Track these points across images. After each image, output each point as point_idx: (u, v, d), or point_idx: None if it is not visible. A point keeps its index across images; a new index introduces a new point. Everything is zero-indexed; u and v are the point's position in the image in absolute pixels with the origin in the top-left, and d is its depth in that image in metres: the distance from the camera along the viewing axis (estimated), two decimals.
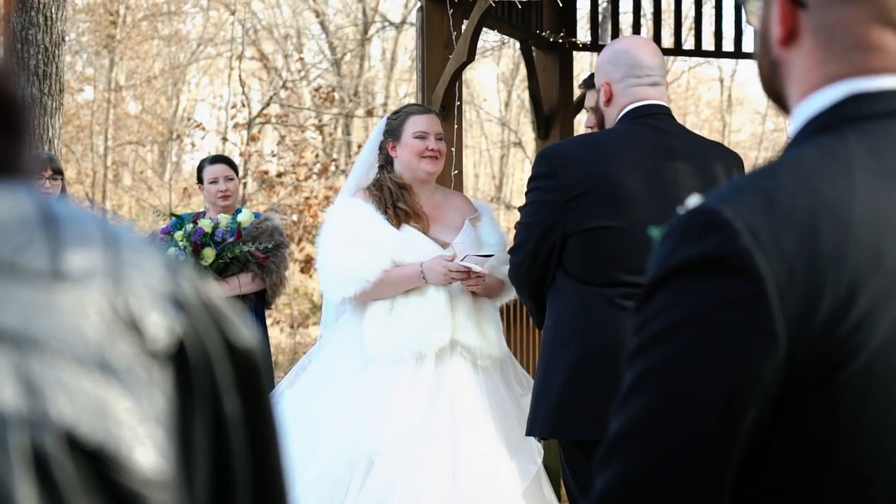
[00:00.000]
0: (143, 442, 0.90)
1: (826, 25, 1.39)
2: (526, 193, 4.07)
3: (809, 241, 1.25)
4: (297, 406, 4.69)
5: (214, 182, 6.34)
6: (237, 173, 6.53)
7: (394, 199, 4.76)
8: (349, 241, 4.68)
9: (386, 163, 4.88)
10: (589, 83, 5.01)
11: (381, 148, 4.92)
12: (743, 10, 8.27)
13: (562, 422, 3.91)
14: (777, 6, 1.42)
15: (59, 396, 0.87)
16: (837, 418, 1.26)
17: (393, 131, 4.85)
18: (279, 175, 16.07)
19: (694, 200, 1.34)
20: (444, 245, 4.79)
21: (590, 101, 4.94)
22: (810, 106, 1.40)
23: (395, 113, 4.97)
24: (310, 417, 4.63)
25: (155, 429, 0.91)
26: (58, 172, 6.57)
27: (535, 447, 4.70)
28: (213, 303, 1.01)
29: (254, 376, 1.03)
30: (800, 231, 1.25)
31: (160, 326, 0.95)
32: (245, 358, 1.02)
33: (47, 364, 0.87)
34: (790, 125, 1.45)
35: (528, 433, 4.15)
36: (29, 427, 0.85)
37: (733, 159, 4.09)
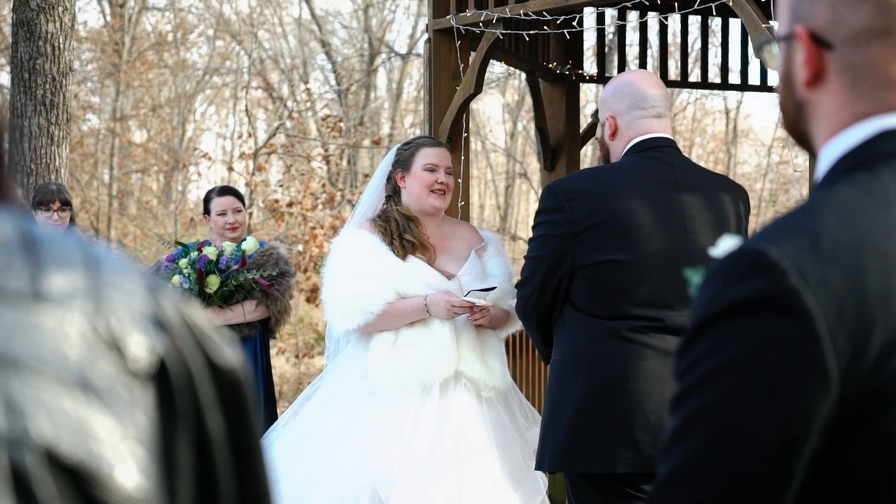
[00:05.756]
0: (125, 460, 0.90)
1: (853, 65, 1.39)
2: (533, 227, 4.05)
3: (856, 279, 1.24)
4: (301, 435, 4.68)
5: (222, 214, 6.31)
6: (244, 204, 6.51)
7: (400, 231, 4.74)
8: (353, 272, 4.66)
9: (394, 193, 4.86)
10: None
11: (390, 178, 4.89)
12: (751, 47, 8.27)
13: (570, 455, 3.88)
14: (802, 48, 1.43)
15: (39, 415, 0.87)
16: (887, 453, 1.25)
17: (403, 161, 4.82)
18: (290, 205, 16.08)
19: (731, 242, 1.34)
20: (450, 276, 4.76)
21: (599, 133, 4.95)
22: (840, 144, 1.40)
23: (406, 144, 4.94)
24: (315, 447, 4.61)
25: (136, 447, 0.92)
26: (66, 204, 6.57)
27: (540, 478, 4.68)
28: (195, 323, 1.01)
29: (238, 395, 1.03)
30: (846, 269, 1.25)
31: (141, 346, 0.95)
32: (228, 377, 1.02)
33: (28, 383, 0.87)
34: (817, 164, 1.44)
35: (538, 467, 4.12)
36: (9, 445, 0.85)
37: (739, 192, 4.08)
